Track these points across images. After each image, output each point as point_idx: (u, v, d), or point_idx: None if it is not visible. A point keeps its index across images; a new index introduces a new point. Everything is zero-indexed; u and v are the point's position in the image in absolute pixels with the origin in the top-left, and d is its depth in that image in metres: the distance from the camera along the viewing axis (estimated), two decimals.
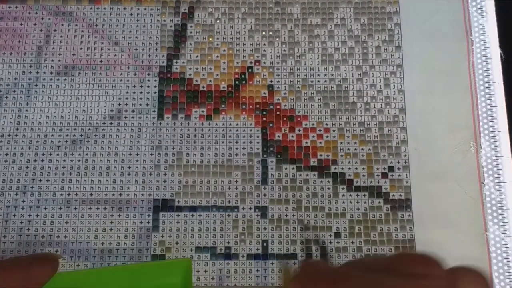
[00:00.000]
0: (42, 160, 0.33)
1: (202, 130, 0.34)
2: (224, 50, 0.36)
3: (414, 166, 0.34)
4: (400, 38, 0.36)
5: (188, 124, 0.34)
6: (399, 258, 0.20)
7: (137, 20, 0.36)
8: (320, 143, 0.34)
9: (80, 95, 0.35)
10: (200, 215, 0.33)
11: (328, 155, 0.34)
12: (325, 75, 0.35)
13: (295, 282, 0.20)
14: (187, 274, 0.28)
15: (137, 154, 0.34)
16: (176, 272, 0.28)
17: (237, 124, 0.35)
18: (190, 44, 0.36)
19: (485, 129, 0.34)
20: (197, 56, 0.36)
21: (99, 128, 0.34)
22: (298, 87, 0.35)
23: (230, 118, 0.35)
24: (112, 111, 0.35)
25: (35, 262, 0.27)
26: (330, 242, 0.33)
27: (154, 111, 0.35)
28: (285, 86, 0.35)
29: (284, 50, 0.36)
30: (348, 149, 0.34)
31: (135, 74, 0.35)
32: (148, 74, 0.35)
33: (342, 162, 0.34)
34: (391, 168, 0.34)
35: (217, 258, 0.32)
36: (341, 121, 0.35)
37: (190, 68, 0.35)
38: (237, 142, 0.34)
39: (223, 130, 0.34)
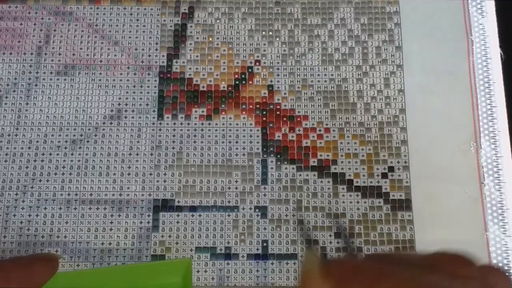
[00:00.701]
0: (42, 160, 0.33)
1: (202, 130, 0.34)
2: (224, 50, 0.36)
3: (414, 166, 0.34)
4: (400, 38, 0.36)
5: (188, 124, 0.34)
6: (438, 257, 0.19)
7: (137, 20, 0.36)
8: (320, 143, 0.34)
9: (80, 95, 0.35)
10: (200, 215, 0.33)
11: (328, 155, 0.34)
12: (325, 75, 0.35)
13: (329, 279, 0.19)
14: (187, 274, 0.28)
15: (137, 154, 0.34)
16: (176, 272, 0.28)
17: (237, 124, 0.35)
18: (190, 44, 0.36)
19: (485, 129, 0.34)
20: (197, 56, 0.36)
21: (99, 128, 0.34)
22: (298, 87, 0.35)
23: (230, 118, 0.35)
24: (112, 111, 0.34)
25: (35, 262, 0.27)
26: (330, 242, 0.32)
27: (154, 111, 0.35)
28: (285, 86, 0.35)
29: (284, 50, 0.36)
30: (348, 149, 0.34)
31: (135, 74, 0.35)
32: (148, 74, 0.35)
33: (342, 162, 0.34)
34: (391, 168, 0.34)
35: (217, 258, 0.32)
36: (341, 121, 0.35)
37: (190, 68, 0.35)
38: (237, 142, 0.34)
39: (223, 130, 0.34)
